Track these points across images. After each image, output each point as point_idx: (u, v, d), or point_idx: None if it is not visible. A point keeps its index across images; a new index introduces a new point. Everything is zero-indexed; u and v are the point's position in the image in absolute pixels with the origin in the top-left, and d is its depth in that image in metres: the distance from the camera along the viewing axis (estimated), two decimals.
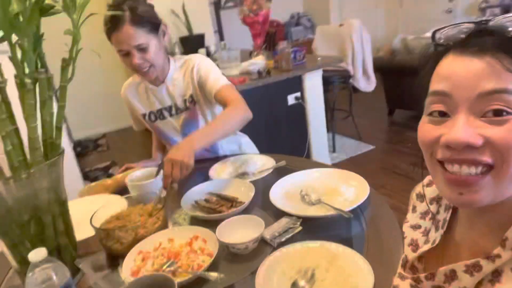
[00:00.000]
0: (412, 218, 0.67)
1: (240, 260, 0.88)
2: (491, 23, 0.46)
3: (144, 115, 1.48)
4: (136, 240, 0.93)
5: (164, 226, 1.00)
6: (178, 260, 0.87)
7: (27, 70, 0.72)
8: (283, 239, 0.92)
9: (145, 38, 1.23)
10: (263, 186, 1.17)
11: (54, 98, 0.82)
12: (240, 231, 0.92)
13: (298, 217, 0.98)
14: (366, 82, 3.74)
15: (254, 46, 3.36)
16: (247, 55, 3.37)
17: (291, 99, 3.08)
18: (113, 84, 4.36)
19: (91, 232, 0.95)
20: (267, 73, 2.92)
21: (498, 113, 0.44)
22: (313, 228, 0.96)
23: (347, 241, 0.88)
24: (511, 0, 4.38)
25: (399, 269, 0.67)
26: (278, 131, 3.04)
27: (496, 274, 0.49)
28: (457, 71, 0.47)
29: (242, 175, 1.29)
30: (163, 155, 1.56)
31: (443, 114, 0.48)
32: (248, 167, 1.31)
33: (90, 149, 4.83)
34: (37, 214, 0.78)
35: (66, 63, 0.76)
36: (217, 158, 1.46)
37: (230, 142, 1.55)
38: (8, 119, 0.72)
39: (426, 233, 0.63)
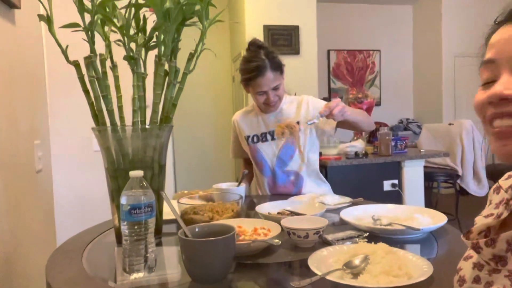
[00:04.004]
0: (486, 210, 0.64)
1: (298, 250, 0.90)
2: None
3: (247, 137, 1.68)
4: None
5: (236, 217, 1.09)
6: (242, 236, 0.94)
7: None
8: (346, 243, 0.92)
9: (279, 79, 1.53)
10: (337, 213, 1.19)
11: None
12: (304, 224, 0.95)
13: (365, 231, 0.98)
14: (477, 186, 3.45)
15: (354, 132, 3.48)
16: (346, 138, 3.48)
17: (387, 185, 3.01)
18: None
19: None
20: (364, 155, 2.97)
21: None
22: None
23: None
24: None
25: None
26: None
27: None
28: (501, 38, 0.50)
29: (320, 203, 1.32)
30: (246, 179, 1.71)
31: (492, 81, 0.51)
32: (325, 199, 1.34)
33: None
34: (142, 168, 0.96)
35: (191, 56, 1.00)
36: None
37: (315, 187, 1.62)
38: (140, 86, 0.97)
39: (498, 217, 0.59)
